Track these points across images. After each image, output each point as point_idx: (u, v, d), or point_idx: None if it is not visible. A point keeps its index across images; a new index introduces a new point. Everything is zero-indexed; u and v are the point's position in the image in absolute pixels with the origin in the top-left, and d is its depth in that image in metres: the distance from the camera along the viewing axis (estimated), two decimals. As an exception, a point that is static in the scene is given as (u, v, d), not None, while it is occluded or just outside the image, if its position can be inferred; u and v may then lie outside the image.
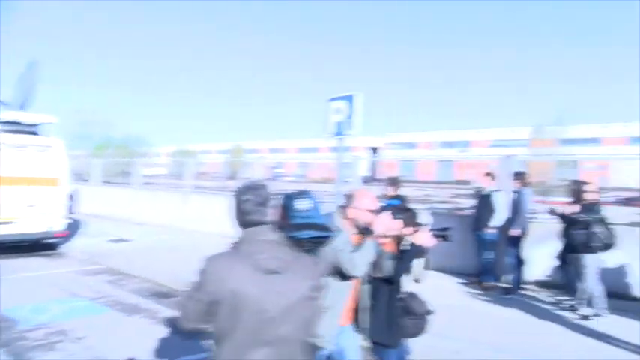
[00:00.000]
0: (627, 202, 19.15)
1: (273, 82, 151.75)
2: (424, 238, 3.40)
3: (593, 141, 48.64)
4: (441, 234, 3.51)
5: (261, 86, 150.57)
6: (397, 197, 6.50)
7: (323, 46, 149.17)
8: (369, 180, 15.37)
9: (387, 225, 3.30)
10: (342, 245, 3.11)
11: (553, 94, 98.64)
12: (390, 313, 3.38)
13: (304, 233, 2.54)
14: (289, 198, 2.75)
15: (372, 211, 3.27)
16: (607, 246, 6.19)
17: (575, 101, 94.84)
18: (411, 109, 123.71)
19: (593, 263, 6.23)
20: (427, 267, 3.56)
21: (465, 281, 8.13)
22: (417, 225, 3.45)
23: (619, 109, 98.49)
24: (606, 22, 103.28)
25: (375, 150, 55.44)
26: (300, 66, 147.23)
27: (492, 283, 7.74)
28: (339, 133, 7.70)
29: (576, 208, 6.42)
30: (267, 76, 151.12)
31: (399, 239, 3.43)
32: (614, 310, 6.29)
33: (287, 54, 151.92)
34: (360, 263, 3.09)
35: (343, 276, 3.14)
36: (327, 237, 2.69)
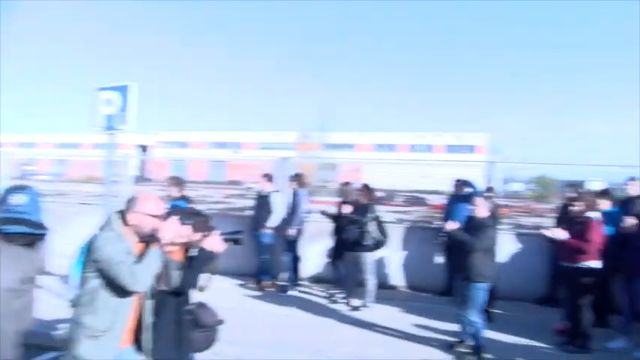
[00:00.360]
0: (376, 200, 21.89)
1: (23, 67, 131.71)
2: (214, 243, 3.14)
3: (349, 146, 54.49)
4: (232, 238, 3.31)
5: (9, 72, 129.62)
6: (182, 198, 6.07)
7: (90, 32, 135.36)
8: (139, 179, 14.35)
9: (175, 231, 2.95)
10: (122, 256, 2.66)
11: (317, 102, 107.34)
12: (177, 329, 3.03)
13: (13, 228, 2.51)
14: (6, 192, 2.66)
15: (156, 216, 2.88)
16: (380, 243, 6.81)
17: (335, 110, 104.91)
18: (182, 108, 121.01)
19: (369, 259, 6.79)
20: (214, 272, 3.30)
21: (243, 282, 8.08)
22: (207, 229, 3.17)
23: (371, 118, 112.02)
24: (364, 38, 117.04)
25: (144, 148, 52.65)
26: (57, 50, 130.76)
27: (270, 282, 7.86)
28: (109, 127, 6.87)
29: (349, 209, 6.89)
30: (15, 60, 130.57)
31: (187, 246, 3.11)
32: (377, 299, 6.94)
33: (45, 36, 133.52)
34: (143, 276, 2.68)
35: (123, 292, 2.69)
36: (39, 235, 2.63)
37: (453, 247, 5.42)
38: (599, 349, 5.43)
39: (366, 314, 6.54)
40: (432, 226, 9.03)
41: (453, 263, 5.43)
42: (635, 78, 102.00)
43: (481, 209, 5.27)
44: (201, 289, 3.30)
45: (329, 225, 7.48)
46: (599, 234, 5.36)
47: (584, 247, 5.32)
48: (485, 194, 6.63)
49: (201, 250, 3.11)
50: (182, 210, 3.31)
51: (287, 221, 7.82)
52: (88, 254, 2.71)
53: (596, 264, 5.39)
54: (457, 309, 5.39)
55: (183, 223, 3.04)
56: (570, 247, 5.43)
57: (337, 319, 6.35)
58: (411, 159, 44.63)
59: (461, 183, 7.81)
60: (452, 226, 5.29)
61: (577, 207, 5.59)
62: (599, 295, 5.64)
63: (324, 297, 7.43)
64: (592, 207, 5.56)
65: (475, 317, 5.16)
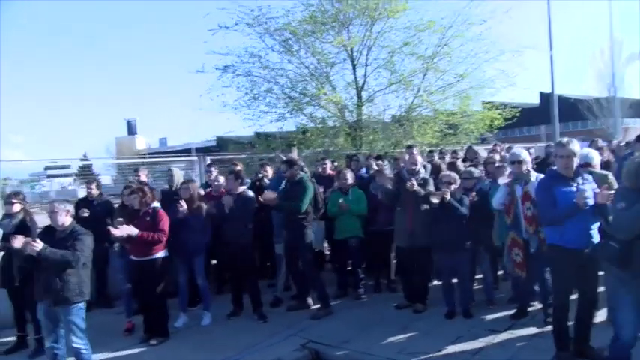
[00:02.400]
0: None
1: None
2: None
3: None
4: None
5: None
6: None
7: None
8: None
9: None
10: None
11: None
12: None
13: None
14: None
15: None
16: None
17: None
18: None
19: None
20: None
21: None
22: None
23: None
24: None
25: None
26: None
27: None
28: None
29: None
30: None
31: None
32: None
33: None
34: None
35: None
36: None
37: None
38: (174, 331, 5.67)
39: None
40: None
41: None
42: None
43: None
44: None
45: None
46: (167, 223, 5.50)
47: (160, 238, 5.34)
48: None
49: None
50: None
51: None
52: None
53: (165, 252, 5.52)
54: (50, 340, 4.36)
55: None
56: (142, 241, 5.30)
57: None
58: None
59: None
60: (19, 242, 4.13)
61: (137, 199, 5.48)
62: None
63: None
64: (154, 197, 5.61)
65: (81, 343, 4.34)
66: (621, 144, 9.19)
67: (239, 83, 11.26)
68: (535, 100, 37.66)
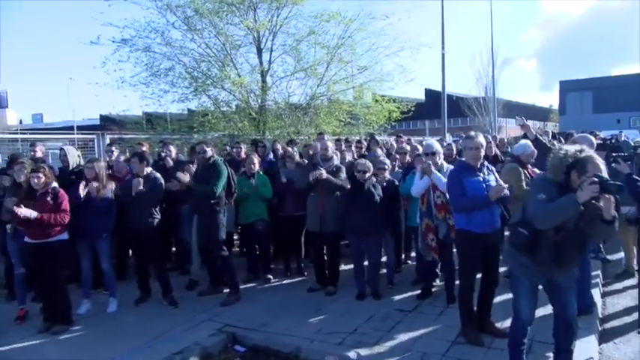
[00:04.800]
0: None
1: None
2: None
3: None
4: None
5: None
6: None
7: None
8: None
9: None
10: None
11: None
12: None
13: None
14: None
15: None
16: None
17: None
18: None
19: None
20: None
21: None
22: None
23: None
24: None
25: None
26: None
27: None
28: None
29: None
30: None
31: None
32: None
33: None
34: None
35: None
36: None
37: None
38: (77, 318, 5.33)
39: None
40: None
41: None
42: None
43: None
44: None
45: None
46: (68, 204, 5.12)
47: (63, 219, 4.98)
48: None
49: None
50: None
51: None
52: None
53: (64, 235, 5.14)
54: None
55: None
56: (43, 223, 4.88)
57: None
58: None
59: None
60: None
61: (38, 179, 5.02)
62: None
63: None
64: (53, 176, 5.19)
65: None
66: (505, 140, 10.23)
67: (137, 59, 10.68)
68: (420, 95, 40.01)
